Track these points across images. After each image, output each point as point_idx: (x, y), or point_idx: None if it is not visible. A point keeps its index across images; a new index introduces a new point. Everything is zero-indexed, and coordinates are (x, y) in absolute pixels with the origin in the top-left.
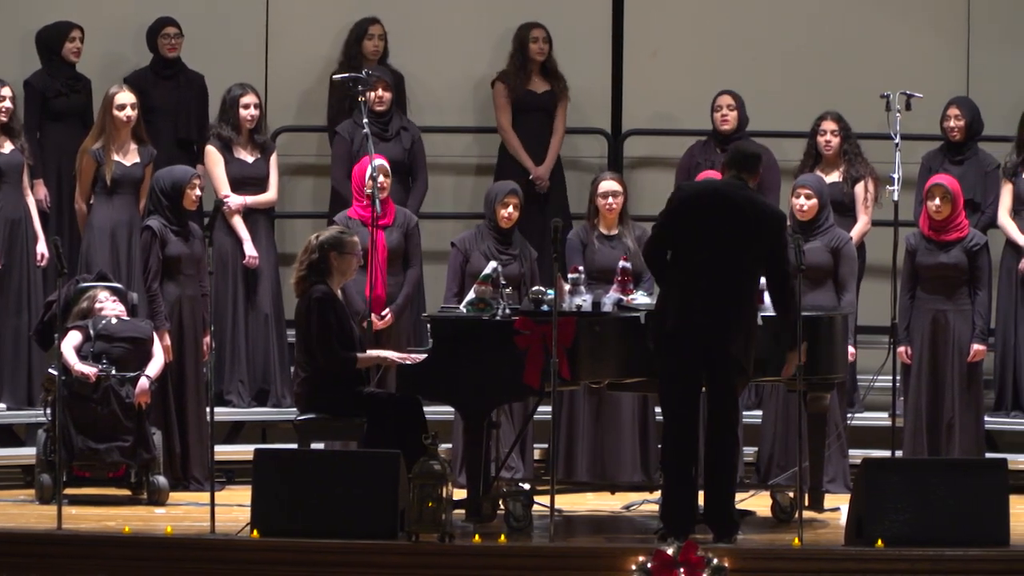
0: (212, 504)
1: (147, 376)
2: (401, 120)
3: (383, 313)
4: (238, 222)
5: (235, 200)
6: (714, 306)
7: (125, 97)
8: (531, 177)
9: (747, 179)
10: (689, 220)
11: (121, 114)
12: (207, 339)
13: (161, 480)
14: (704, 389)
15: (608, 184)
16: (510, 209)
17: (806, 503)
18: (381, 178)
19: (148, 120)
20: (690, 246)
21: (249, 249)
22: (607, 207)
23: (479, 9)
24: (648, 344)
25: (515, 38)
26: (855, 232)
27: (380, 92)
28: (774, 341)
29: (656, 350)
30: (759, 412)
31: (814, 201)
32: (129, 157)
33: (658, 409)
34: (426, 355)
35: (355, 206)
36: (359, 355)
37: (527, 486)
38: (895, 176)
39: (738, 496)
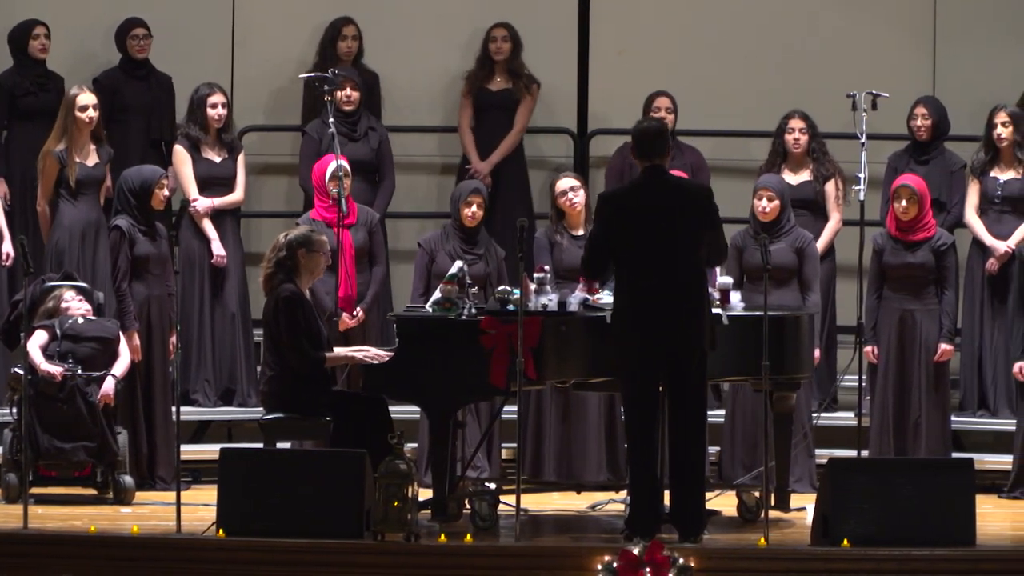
0: (178, 504)
1: (113, 376)
2: (369, 120)
3: (355, 312)
4: (206, 222)
5: (203, 203)
6: (673, 309)
7: (87, 98)
8: (470, 172)
9: (662, 161)
10: (623, 227)
11: (83, 115)
12: (173, 339)
13: (127, 479)
14: (665, 388)
15: (566, 182)
16: (474, 208)
17: (772, 503)
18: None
19: (120, 120)
20: (629, 251)
21: (217, 248)
22: (569, 204)
23: (449, 9)
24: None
25: (483, 38)
26: (827, 231)
27: (348, 92)
28: (740, 340)
29: (616, 352)
30: (723, 411)
31: (776, 203)
32: (90, 158)
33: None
34: (392, 354)
35: (317, 207)
36: (328, 354)
37: (493, 485)
38: (861, 176)
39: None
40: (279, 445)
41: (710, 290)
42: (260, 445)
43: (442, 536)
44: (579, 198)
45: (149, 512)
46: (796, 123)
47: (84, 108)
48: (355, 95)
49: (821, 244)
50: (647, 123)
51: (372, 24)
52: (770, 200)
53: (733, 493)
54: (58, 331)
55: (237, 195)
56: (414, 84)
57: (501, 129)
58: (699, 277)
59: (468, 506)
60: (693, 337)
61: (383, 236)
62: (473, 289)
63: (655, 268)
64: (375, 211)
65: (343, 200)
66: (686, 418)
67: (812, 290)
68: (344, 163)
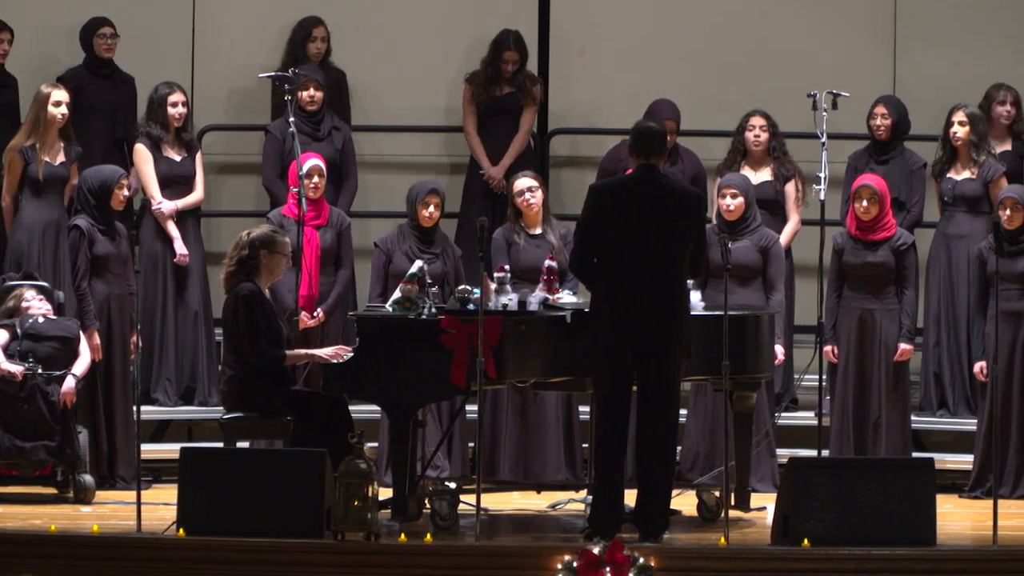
0: (138, 503)
1: (73, 375)
2: (333, 120)
3: (315, 312)
4: (168, 222)
5: (167, 205)
6: (650, 307)
7: (60, 95)
8: (484, 177)
9: (657, 162)
10: (609, 221)
11: (56, 111)
12: (133, 338)
13: (87, 479)
14: (637, 388)
15: (523, 182)
16: (431, 209)
17: (732, 502)
18: (316, 178)
19: (84, 119)
20: (614, 247)
21: (179, 247)
22: (526, 204)
23: (413, 9)
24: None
25: (493, 44)
26: (786, 231)
27: (311, 92)
28: (701, 340)
29: (592, 351)
30: (684, 411)
31: (740, 200)
32: (57, 156)
33: (583, 408)
34: (353, 353)
35: (290, 204)
36: (287, 352)
37: (453, 485)
38: (822, 175)
39: None
40: (239, 444)
41: None
42: (220, 444)
43: (402, 536)
44: (536, 198)
45: (109, 511)
46: (757, 121)
47: (58, 104)
48: (318, 95)
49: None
50: (648, 123)
51: (341, 23)
52: (734, 197)
53: (693, 493)
54: (19, 330)
55: (198, 195)
56: (379, 84)
57: (505, 133)
58: (680, 279)
59: (428, 506)
60: (668, 338)
61: (351, 239)
62: (433, 288)
63: (637, 265)
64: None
65: (303, 199)
66: (656, 418)
67: (776, 289)
68: (319, 163)
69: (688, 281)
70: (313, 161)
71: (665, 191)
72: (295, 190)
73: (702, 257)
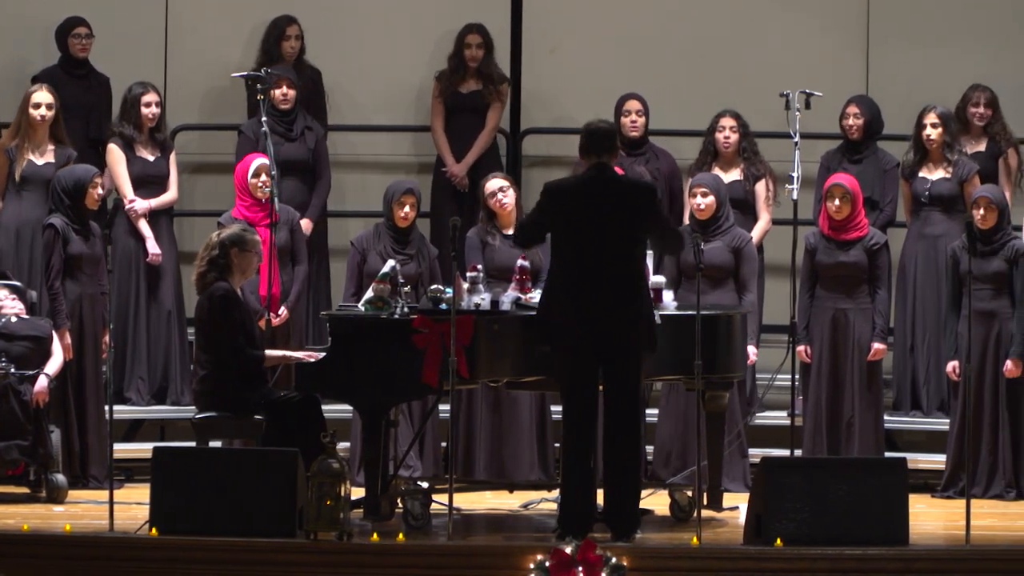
0: (111, 502)
1: (46, 374)
2: (306, 119)
3: (280, 311)
4: (141, 221)
5: (141, 204)
6: (610, 306)
7: (41, 96)
8: (447, 174)
9: (609, 160)
10: (564, 218)
11: (36, 113)
12: (106, 338)
13: (60, 478)
14: (603, 387)
15: (495, 182)
16: (407, 209)
17: (705, 502)
18: (264, 177)
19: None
20: (570, 244)
21: (152, 247)
22: (499, 205)
23: (384, 8)
24: (542, 347)
25: (456, 40)
26: (757, 231)
27: (284, 90)
28: (673, 339)
29: (551, 350)
30: (656, 410)
31: (711, 199)
32: (44, 157)
33: (556, 408)
34: (325, 353)
35: (239, 206)
36: (266, 353)
37: (425, 485)
38: (795, 175)
39: None
40: (211, 444)
41: None
42: (193, 444)
43: (374, 535)
44: (509, 198)
45: (82, 511)
46: (727, 121)
47: (37, 105)
48: (291, 93)
49: None
50: (598, 122)
51: (316, 22)
52: (704, 196)
53: (666, 492)
54: None
55: (171, 194)
56: (355, 83)
57: (470, 131)
58: (637, 277)
59: (400, 505)
60: (630, 336)
61: (303, 234)
62: (405, 288)
63: (596, 264)
64: (312, 211)
65: (276, 199)
66: (622, 417)
67: (749, 290)
68: (266, 161)
69: (661, 280)
70: (260, 160)
71: (619, 188)
72: (267, 190)
73: (669, 234)
